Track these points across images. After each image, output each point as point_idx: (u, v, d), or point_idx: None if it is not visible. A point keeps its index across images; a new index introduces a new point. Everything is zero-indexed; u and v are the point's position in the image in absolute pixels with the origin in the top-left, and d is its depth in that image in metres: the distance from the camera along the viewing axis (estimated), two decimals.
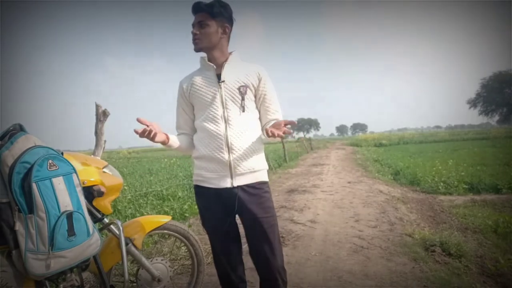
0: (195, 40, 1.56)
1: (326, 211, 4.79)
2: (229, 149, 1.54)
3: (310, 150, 23.61)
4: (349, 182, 7.46)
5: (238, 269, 1.72)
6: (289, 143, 25.64)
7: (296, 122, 1.48)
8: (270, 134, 1.42)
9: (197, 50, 1.58)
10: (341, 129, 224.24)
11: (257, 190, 1.58)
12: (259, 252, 1.62)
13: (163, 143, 1.57)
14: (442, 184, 6.83)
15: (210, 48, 1.58)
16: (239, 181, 1.55)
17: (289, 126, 1.45)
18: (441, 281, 2.46)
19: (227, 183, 1.55)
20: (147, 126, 1.43)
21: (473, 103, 48.26)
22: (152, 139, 1.45)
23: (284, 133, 1.41)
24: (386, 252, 3.07)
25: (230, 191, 1.55)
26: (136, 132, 1.41)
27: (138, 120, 1.43)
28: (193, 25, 1.56)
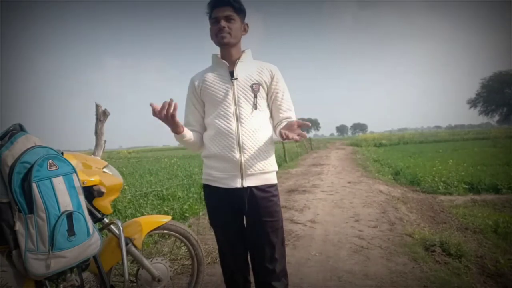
0: (224, 34, 1.50)
1: (326, 211, 4.79)
2: (241, 148, 1.51)
3: (310, 150, 23.61)
4: (349, 182, 7.46)
5: (244, 269, 1.70)
6: (289, 143, 25.61)
7: (309, 124, 1.43)
8: (284, 136, 1.37)
9: (224, 44, 1.53)
10: (341, 129, 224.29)
11: (266, 193, 1.56)
12: (258, 254, 1.61)
13: (178, 131, 1.49)
14: (442, 184, 6.83)
15: (233, 45, 1.56)
16: (249, 182, 1.53)
17: (304, 128, 1.40)
18: (441, 281, 2.46)
19: (237, 183, 1.52)
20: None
21: (473, 103, 48.30)
22: (172, 119, 1.38)
23: (299, 136, 1.37)
24: (386, 252, 3.07)
25: (240, 191, 1.53)
26: (154, 108, 1.34)
27: (152, 105, 1.34)
28: (217, 18, 1.50)
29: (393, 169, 10.19)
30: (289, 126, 1.43)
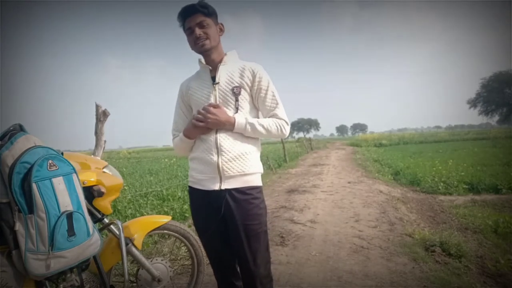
0: (203, 41, 1.52)
1: (326, 211, 4.79)
2: (218, 151, 1.51)
3: (310, 150, 23.61)
4: (349, 182, 7.46)
5: (230, 274, 1.67)
6: (289, 143, 25.64)
7: (217, 105, 1.50)
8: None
9: (205, 51, 1.54)
10: (341, 129, 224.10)
11: (245, 195, 1.52)
12: (242, 259, 1.58)
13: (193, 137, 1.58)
14: (442, 184, 6.83)
15: (213, 48, 1.56)
16: (227, 184, 1.51)
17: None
18: (441, 281, 2.46)
19: (215, 186, 1.52)
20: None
21: (473, 103, 48.24)
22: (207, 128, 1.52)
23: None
24: (386, 252, 3.07)
25: (218, 193, 1.51)
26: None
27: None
28: (191, 28, 1.51)
29: (393, 169, 10.19)
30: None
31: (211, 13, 1.54)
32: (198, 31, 1.51)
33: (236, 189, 1.52)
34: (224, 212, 1.53)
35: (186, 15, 1.52)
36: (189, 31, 1.53)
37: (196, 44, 1.53)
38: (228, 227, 1.57)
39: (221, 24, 1.60)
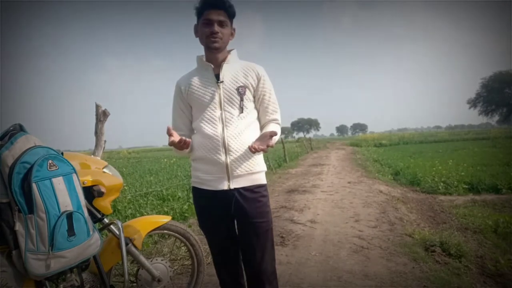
0: (216, 39, 1.48)
1: (326, 211, 4.79)
2: (226, 151, 1.50)
3: (310, 150, 23.60)
4: (349, 182, 7.46)
5: (236, 272, 1.68)
6: (289, 143, 25.65)
7: (276, 132, 1.44)
8: (253, 150, 1.38)
9: (214, 48, 1.52)
10: (341, 129, 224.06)
11: (254, 193, 1.54)
12: (249, 256, 1.60)
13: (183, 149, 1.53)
14: (442, 184, 6.83)
15: (221, 49, 1.55)
16: (236, 184, 1.52)
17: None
18: (441, 281, 2.46)
19: (224, 185, 1.51)
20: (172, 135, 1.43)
21: (473, 103, 48.26)
22: (185, 147, 1.47)
23: (268, 147, 1.39)
24: (386, 252, 3.07)
25: (227, 193, 1.52)
26: (173, 142, 1.41)
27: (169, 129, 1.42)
28: (211, 21, 1.47)
29: (393, 169, 10.19)
30: (262, 137, 1.44)
31: (232, 15, 1.53)
32: (217, 28, 1.48)
33: (244, 188, 1.53)
34: (234, 211, 1.54)
35: (212, 7, 1.48)
36: (207, 22, 1.48)
37: (209, 38, 1.49)
38: (237, 225, 1.60)
39: (234, 29, 1.58)
